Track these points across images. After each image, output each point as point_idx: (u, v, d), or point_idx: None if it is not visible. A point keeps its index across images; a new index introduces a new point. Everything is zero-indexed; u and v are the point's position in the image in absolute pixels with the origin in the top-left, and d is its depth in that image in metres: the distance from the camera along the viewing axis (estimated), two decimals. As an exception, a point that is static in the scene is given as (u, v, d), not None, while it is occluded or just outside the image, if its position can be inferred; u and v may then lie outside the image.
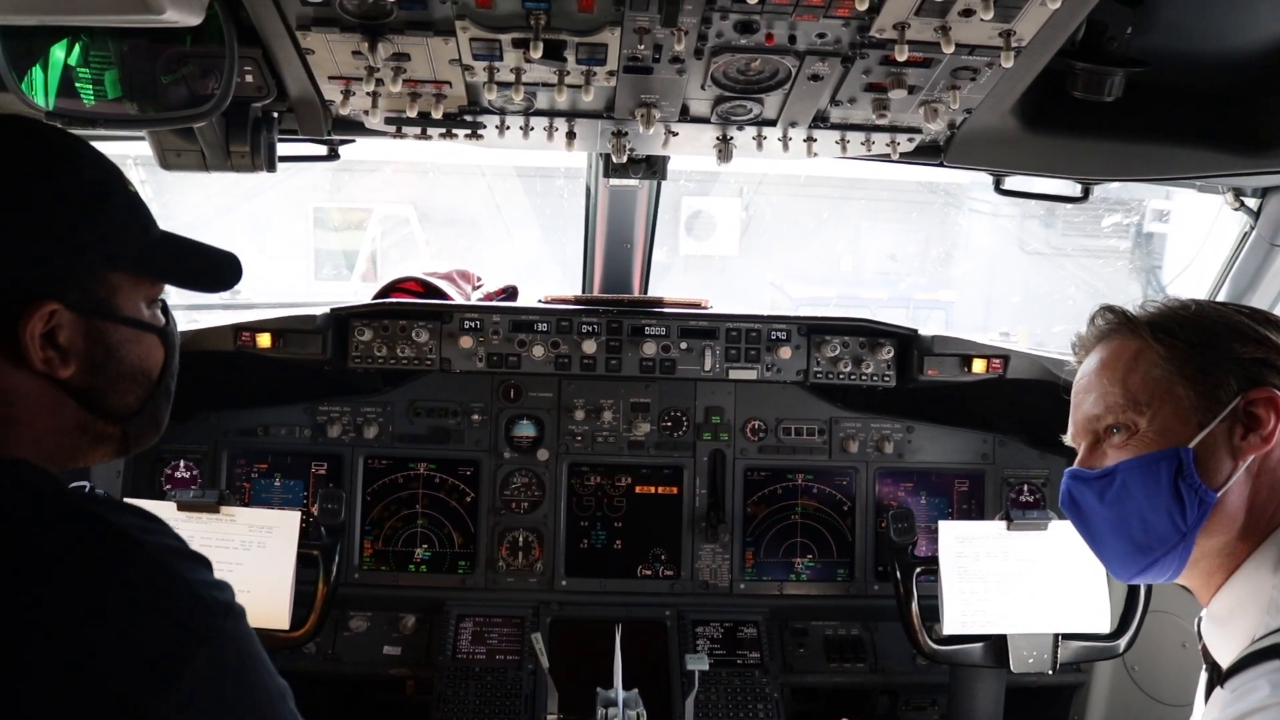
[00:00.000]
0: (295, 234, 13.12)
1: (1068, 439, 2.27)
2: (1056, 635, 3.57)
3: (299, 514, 3.53)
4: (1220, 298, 4.04)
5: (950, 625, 3.58)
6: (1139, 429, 2.07)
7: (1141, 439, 2.07)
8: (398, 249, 12.52)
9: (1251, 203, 3.74)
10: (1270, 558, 1.98)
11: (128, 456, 2.02)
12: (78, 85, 2.64)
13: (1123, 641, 3.63)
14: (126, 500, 1.75)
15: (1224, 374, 2.02)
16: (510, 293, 4.45)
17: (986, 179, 3.55)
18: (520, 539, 4.23)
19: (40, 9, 1.75)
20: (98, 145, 1.87)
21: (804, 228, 14.79)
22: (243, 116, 2.88)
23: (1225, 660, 1.98)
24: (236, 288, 2.17)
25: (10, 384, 1.69)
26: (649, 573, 4.25)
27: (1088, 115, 2.87)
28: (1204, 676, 2.18)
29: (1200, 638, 2.14)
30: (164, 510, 3.44)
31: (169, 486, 4.14)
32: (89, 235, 1.74)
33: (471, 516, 4.25)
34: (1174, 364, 2.06)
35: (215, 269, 2.01)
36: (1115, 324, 2.18)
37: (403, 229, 12.79)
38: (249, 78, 2.73)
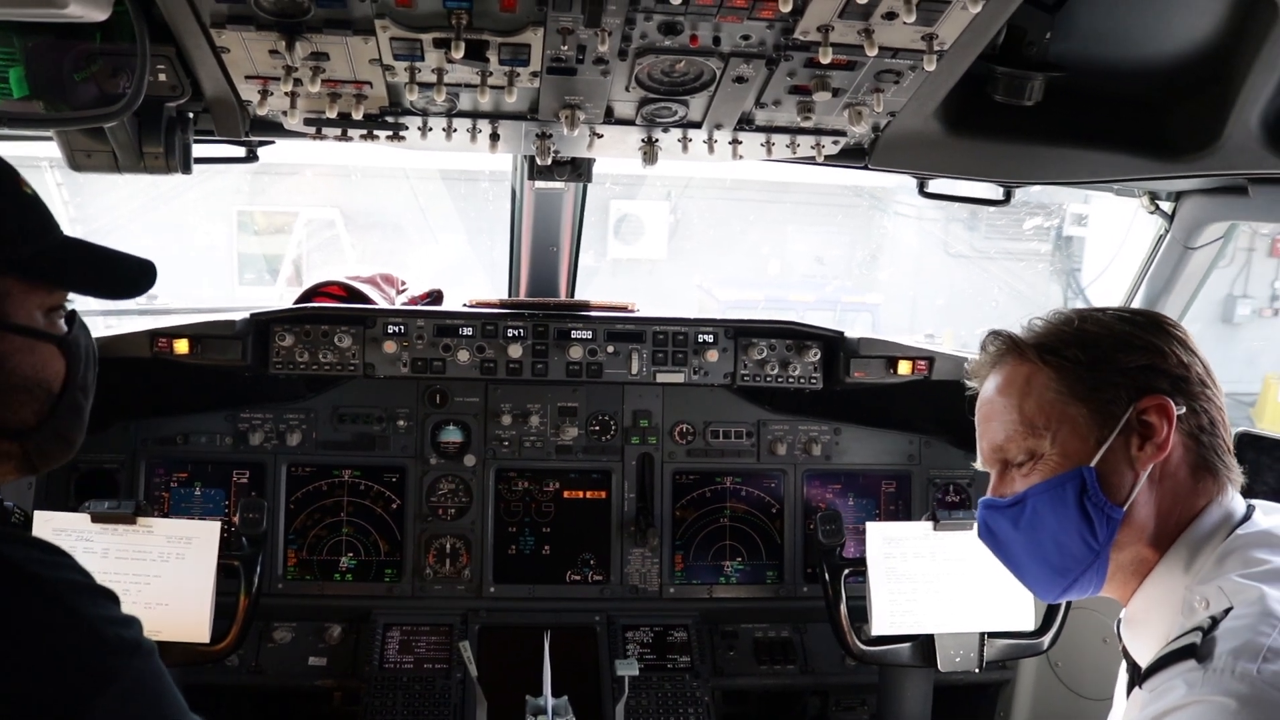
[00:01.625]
0: (217, 238, 12.90)
1: (978, 465, 2.29)
2: (983, 634, 3.61)
3: (219, 524, 3.45)
4: (1137, 300, 4.13)
5: (879, 626, 3.60)
6: (1042, 453, 2.10)
7: (1046, 463, 2.10)
8: (323, 253, 12.38)
9: (1166, 206, 3.82)
10: (1181, 560, 2.02)
11: (37, 475, 1.93)
12: (-19, 83, 2.55)
13: (1046, 639, 3.69)
14: (26, 534, 1.66)
15: (1113, 387, 2.06)
16: (435, 297, 4.40)
17: (911, 183, 3.59)
18: (448, 546, 4.18)
19: (-61, 2, 1.68)
20: (6, 145, 1.80)
21: (732, 231, 14.90)
22: (156, 117, 2.80)
23: (1144, 660, 2.01)
24: (153, 293, 2.10)
25: None
26: (578, 578, 4.23)
27: (1009, 119, 2.90)
28: (1123, 674, 2.22)
29: (1120, 639, 2.17)
30: (78, 522, 3.36)
31: (81, 498, 4.02)
32: None
33: (398, 524, 4.19)
34: (1064, 384, 2.09)
35: (123, 275, 1.94)
36: (1004, 348, 2.21)
37: (328, 232, 12.65)
38: (162, 76, 2.66)
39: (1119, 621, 2.19)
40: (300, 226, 12.71)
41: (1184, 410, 2.04)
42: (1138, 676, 2.02)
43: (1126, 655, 2.16)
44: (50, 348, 1.78)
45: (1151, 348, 2.08)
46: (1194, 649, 1.77)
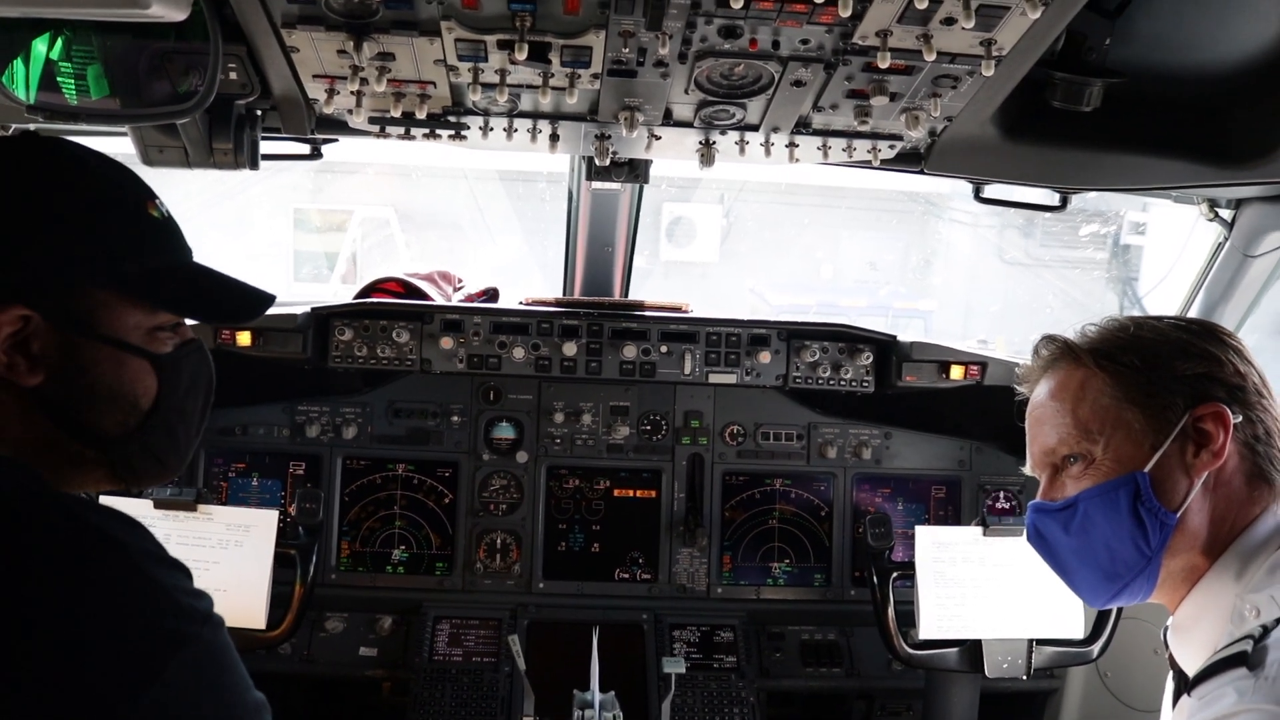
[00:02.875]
0: (275, 234, 13.08)
1: (1027, 470, 2.29)
2: (1031, 641, 3.60)
3: (276, 513, 3.51)
4: (1194, 309, 4.08)
5: (926, 630, 3.60)
6: (1095, 458, 2.10)
7: (1098, 467, 2.09)
8: (378, 251, 12.50)
9: (1225, 214, 3.78)
10: (1232, 568, 2.01)
11: (132, 490, 1.97)
12: (60, 80, 2.63)
13: (1096, 647, 3.66)
14: (105, 504, 1.72)
15: (1170, 394, 2.05)
16: (491, 294, 4.45)
17: (967, 188, 3.58)
18: (498, 541, 4.23)
19: (25, 1, 1.74)
20: (83, 141, 1.85)
21: (784, 235, 14.85)
22: (226, 114, 2.87)
23: (1190, 668, 2.00)
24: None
25: None
26: (626, 576, 4.26)
27: (1066, 125, 2.89)
28: (1170, 684, 2.21)
29: (1166, 646, 2.17)
30: (140, 508, 3.44)
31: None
32: (76, 249, 1.73)
33: (449, 518, 4.24)
34: (1120, 389, 2.09)
35: (228, 306, 1.99)
36: (1058, 353, 2.21)
37: (383, 231, 12.77)
38: (233, 75, 2.72)
39: (1165, 629, 2.18)
40: (355, 225, 12.85)
41: (1240, 419, 2.03)
42: (1184, 684, 2.01)
43: (1173, 663, 2.15)
44: (142, 364, 1.81)
45: (1208, 356, 2.08)
46: (1245, 657, 1.77)
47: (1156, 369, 2.08)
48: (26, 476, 1.66)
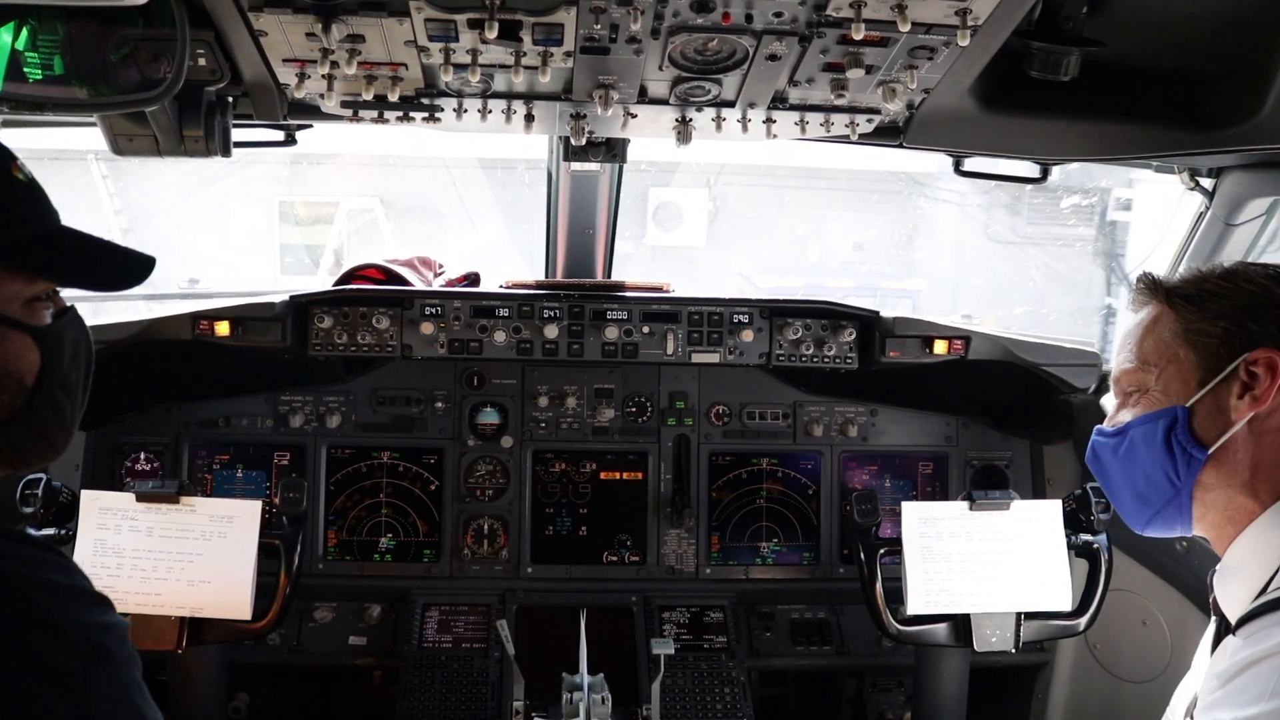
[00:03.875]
0: (258, 227, 13.02)
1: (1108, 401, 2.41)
2: (1019, 614, 3.59)
3: (260, 504, 3.49)
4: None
5: (914, 606, 3.59)
6: (1148, 389, 2.21)
7: (1150, 398, 2.20)
8: (363, 240, 12.46)
9: (1206, 182, 3.77)
10: None
11: (21, 473, 1.87)
12: (26, 70, 2.59)
13: (1084, 619, 3.66)
14: (24, 530, 1.62)
15: (1229, 336, 2.11)
16: (472, 279, 4.42)
17: (951, 167, 3.57)
18: (485, 527, 4.21)
19: (-17, -13, 1.72)
20: (53, 134, 1.79)
21: (771, 218, 14.82)
22: (196, 100, 2.84)
23: (1235, 612, 2.04)
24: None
25: None
26: (615, 559, 4.25)
27: (1045, 95, 2.88)
28: (1211, 629, 2.24)
29: (1211, 589, 2.19)
30: (123, 502, 3.42)
31: (129, 479, 4.09)
32: None
33: (436, 505, 4.23)
34: (1182, 326, 2.17)
35: (111, 270, 1.90)
36: (1144, 288, 2.30)
37: (367, 219, 12.72)
38: (201, 61, 2.69)
39: (1212, 572, 2.20)
40: (341, 216, 12.80)
41: None
42: (1227, 628, 2.07)
43: (1216, 609, 2.18)
44: (24, 338, 1.73)
45: (1276, 304, 2.11)
46: None
47: (1222, 311, 2.14)
48: None
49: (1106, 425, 2.34)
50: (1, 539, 1.57)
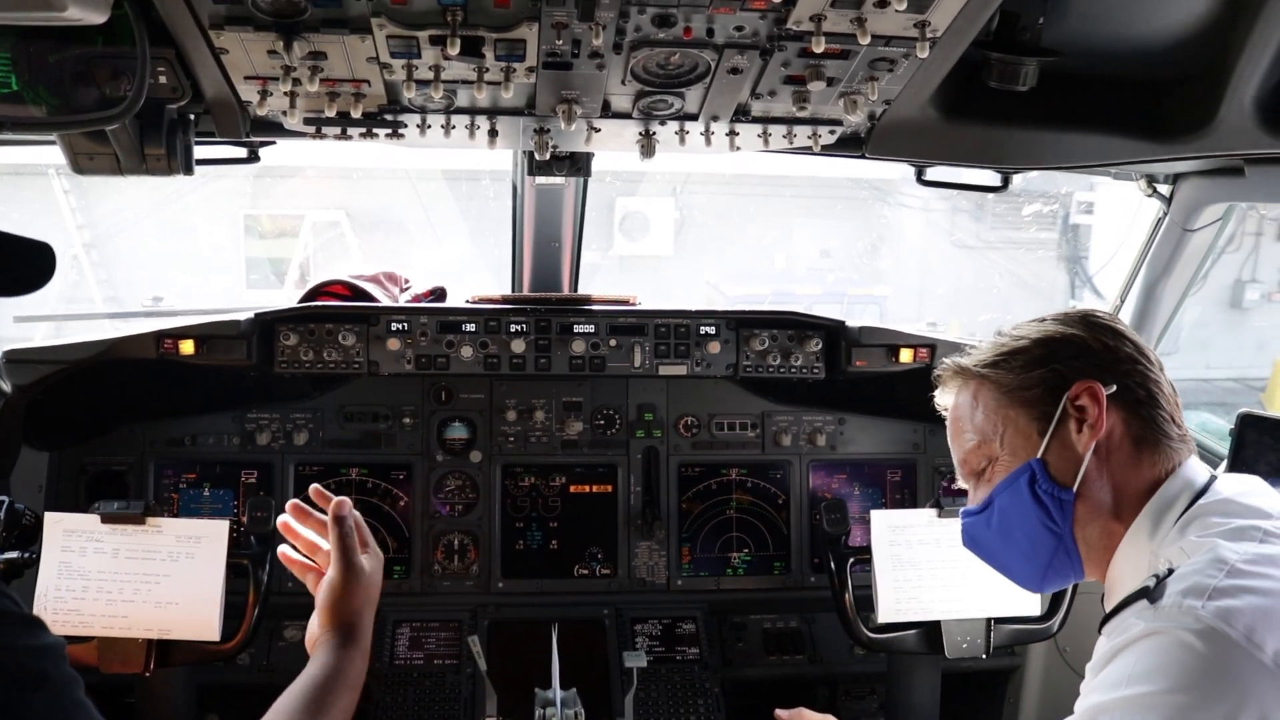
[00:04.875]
0: (223, 242, 12.95)
1: (960, 483, 2.50)
2: (989, 620, 3.60)
3: (228, 523, 3.46)
4: (1136, 285, 4.14)
5: (884, 613, 3.60)
6: (996, 457, 2.32)
7: (1001, 465, 2.31)
8: (330, 254, 12.41)
9: (1164, 189, 3.83)
10: (1145, 528, 2.16)
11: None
12: (-20, 87, 2.57)
13: (1054, 623, 3.69)
14: None
15: (1044, 382, 2.26)
16: (439, 294, 4.41)
17: (913, 173, 3.60)
18: (455, 542, 4.20)
19: (-62, 7, 1.70)
20: (11, 151, 1.76)
21: (737, 226, 14.90)
22: (157, 118, 2.82)
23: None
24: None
25: None
26: (586, 572, 4.24)
27: (1004, 105, 2.92)
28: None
29: (1104, 610, 2.23)
30: (88, 523, 3.37)
31: (93, 500, 4.04)
32: None
33: (405, 521, 4.21)
34: (1002, 390, 2.31)
35: (18, 263, 1.87)
36: (951, 373, 2.46)
37: (335, 234, 12.68)
38: (162, 78, 2.68)
39: (1103, 597, 2.27)
40: (307, 229, 12.75)
41: (1115, 388, 2.19)
42: None
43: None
44: None
45: (1074, 340, 2.28)
46: (1147, 591, 1.92)
47: (1031, 364, 2.29)
48: None
49: (970, 505, 2.43)
50: None
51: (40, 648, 1.56)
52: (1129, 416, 2.20)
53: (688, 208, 14.65)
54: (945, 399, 2.51)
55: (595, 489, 4.29)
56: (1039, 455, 2.23)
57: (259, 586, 3.49)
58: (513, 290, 4.56)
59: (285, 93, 2.65)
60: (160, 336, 3.78)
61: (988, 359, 2.35)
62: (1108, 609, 2.14)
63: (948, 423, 2.49)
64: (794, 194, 14.29)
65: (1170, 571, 1.94)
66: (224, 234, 12.91)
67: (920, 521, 3.66)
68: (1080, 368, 2.23)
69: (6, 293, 1.88)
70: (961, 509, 2.47)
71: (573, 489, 4.29)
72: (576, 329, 4.08)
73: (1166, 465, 2.20)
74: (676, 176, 13.49)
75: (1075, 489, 2.19)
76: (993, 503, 2.33)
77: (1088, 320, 2.33)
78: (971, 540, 2.47)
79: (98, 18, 2.04)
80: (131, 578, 3.33)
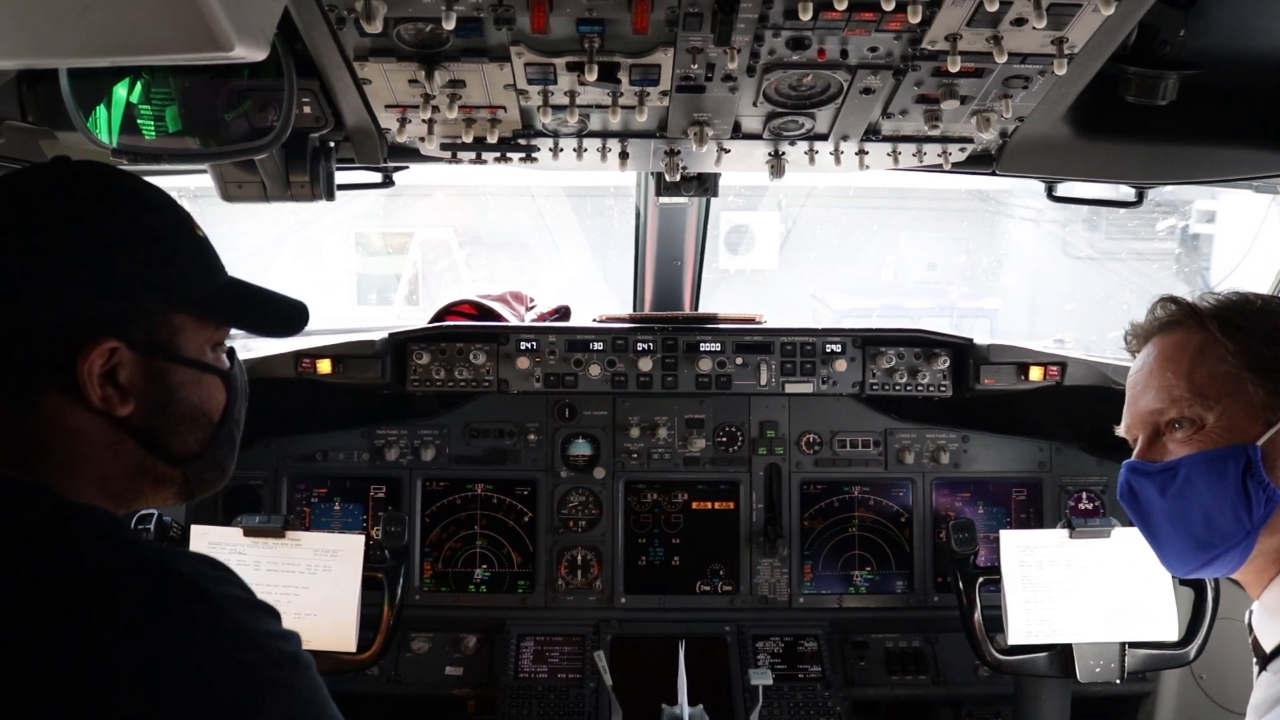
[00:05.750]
0: (337, 259, 13.24)
1: (1122, 430, 2.24)
2: (1123, 644, 3.53)
3: (363, 537, 3.56)
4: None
5: (1015, 635, 3.55)
6: (1205, 424, 2.04)
7: (1207, 434, 2.04)
8: (437, 271, 12.61)
9: (1310, 200, 3.71)
10: None
11: (193, 501, 2.01)
12: (139, 122, 2.70)
13: (1191, 649, 3.58)
14: (190, 550, 1.71)
15: None
16: (563, 313, 4.48)
17: (1029, 185, 3.54)
18: (579, 557, 4.25)
19: (114, 50, 1.78)
20: (156, 180, 1.90)
21: (843, 239, 14.76)
22: (301, 147, 2.93)
23: (1271, 647, 2.00)
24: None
25: (71, 421, 1.70)
26: (708, 588, 4.25)
27: (1141, 119, 2.86)
28: (1255, 668, 2.17)
29: (1250, 630, 2.13)
30: (230, 536, 3.51)
31: (230, 513, 4.18)
32: (152, 276, 1.75)
33: (530, 536, 4.27)
34: (1242, 359, 2.02)
35: (280, 315, 2.03)
36: (1179, 315, 2.15)
37: (443, 251, 12.88)
38: (307, 109, 2.79)
39: (1250, 612, 2.14)
40: (416, 247, 12.96)
41: None
42: (1265, 665, 2.01)
43: (1256, 648, 2.11)
44: (215, 380, 1.86)
45: None
46: None
47: None
48: (106, 524, 1.67)
49: (1144, 459, 2.15)
50: (182, 558, 1.65)
51: (287, 633, 1.67)
52: None
53: (794, 221, 14.57)
54: (1152, 338, 2.20)
55: (717, 506, 4.30)
56: (1259, 442, 1.99)
57: (393, 600, 3.59)
58: (635, 308, 4.60)
59: (424, 120, 2.74)
60: (299, 356, 3.91)
61: (1235, 318, 2.07)
62: (1264, 640, 2.06)
63: (1146, 364, 2.17)
64: (901, 205, 14.12)
65: None
66: (338, 253, 13.20)
67: (1051, 542, 3.60)
68: None
69: (265, 334, 2.15)
70: (1129, 460, 2.19)
71: (695, 505, 4.31)
72: (703, 347, 4.12)
73: None
74: (783, 190, 13.42)
75: None
76: (1179, 469, 2.06)
77: None
78: (1131, 496, 2.18)
79: (259, 55, 2.12)
80: (272, 589, 3.45)
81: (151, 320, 1.76)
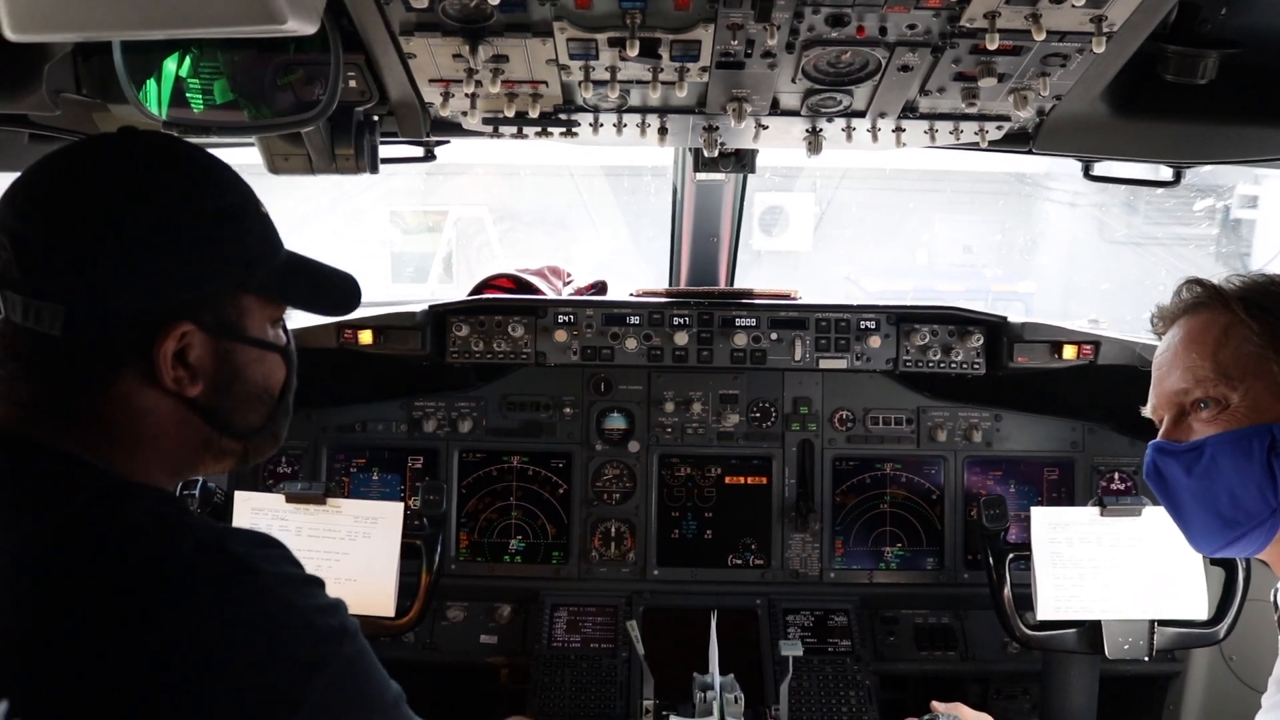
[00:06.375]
0: (372, 237, 13.32)
1: (1147, 411, 2.27)
2: (1152, 621, 3.55)
3: (402, 505, 3.63)
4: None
5: (1044, 611, 3.57)
6: (1230, 404, 2.07)
7: (1232, 414, 2.06)
8: (472, 248, 12.65)
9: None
10: None
11: (248, 467, 2.07)
12: (189, 95, 2.75)
13: (1221, 628, 3.59)
14: (243, 529, 1.76)
15: None
16: (600, 287, 4.53)
17: (1065, 166, 3.54)
18: (612, 530, 4.30)
19: (167, 23, 1.83)
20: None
21: (878, 221, 14.69)
22: (346, 120, 2.96)
23: None
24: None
25: (142, 401, 1.73)
26: (739, 562, 4.31)
27: (1180, 98, 2.84)
28: None
29: (1276, 608, 2.15)
30: (273, 502, 3.59)
31: (271, 480, 4.27)
32: (225, 258, 1.79)
33: (564, 508, 4.34)
34: (1267, 339, 2.05)
35: (337, 292, 2.08)
36: (1204, 297, 2.17)
37: (477, 229, 12.92)
38: (352, 83, 2.82)
39: (1275, 590, 2.17)
40: (450, 225, 13.01)
41: None
42: None
43: None
44: (276, 357, 1.91)
45: None
46: None
47: None
48: (163, 504, 1.69)
49: (1169, 440, 2.17)
50: (231, 537, 1.68)
51: (334, 605, 1.70)
52: None
53: (828, 202, 14.52)
54: (1178, 319, 2.23)
55: (750, 480, 4.35)
56: None
57: (431, 567, 3.66)
58: (670, 283, 4.64)
59: (467, 94, 2.76)
60: (341, 327, 3.98)
61: (1259, 298, 2.10)
62: None
63: (1171, 345, 2.20)
64: (936, 188, 14.03)
65: None
66: (373, 229, 13.27)
67: (1082, 519, 3.61)
68: None
69: (324, 312, 2.15)
70: (1154, 441, 2.21)
71: (728, 480, 4.35)
72: (739, 322, 4.16)
73: None
74: (818, 171, 13.37)
75: None
76: (1204, 448, 2.09)
77: None
78: (1157, 476, 2.21)
79: (310, 29, 2.17)
80: (313, 554, 3.53)
81: (222, 302, 1.79)
